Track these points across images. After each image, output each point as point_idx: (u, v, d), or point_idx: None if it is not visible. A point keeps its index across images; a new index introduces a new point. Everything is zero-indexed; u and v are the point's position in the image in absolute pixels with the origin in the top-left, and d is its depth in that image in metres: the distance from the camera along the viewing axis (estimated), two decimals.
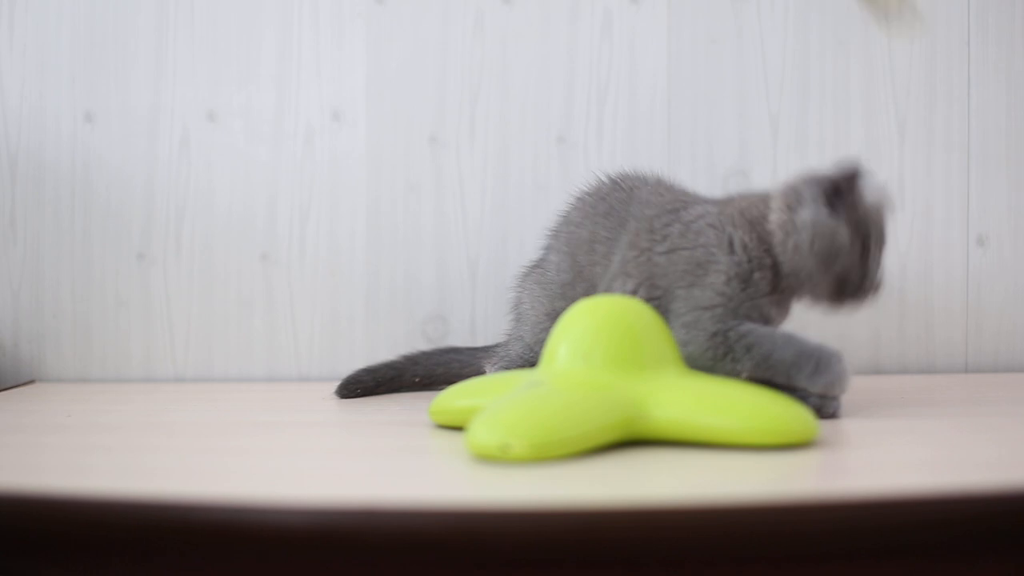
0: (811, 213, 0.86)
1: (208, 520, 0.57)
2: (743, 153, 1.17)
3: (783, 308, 0.89)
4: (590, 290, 0.92)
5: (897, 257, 1.17)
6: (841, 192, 0.86)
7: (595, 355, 0.75)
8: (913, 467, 0.67)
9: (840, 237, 0.85)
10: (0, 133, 1.16)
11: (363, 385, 1.03)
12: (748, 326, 0.84)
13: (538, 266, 0.99)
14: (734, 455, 0.69)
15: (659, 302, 0.87)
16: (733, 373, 0.83)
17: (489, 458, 0.68)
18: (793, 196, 0.87)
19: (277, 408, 0.96)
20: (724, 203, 0.91)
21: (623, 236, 0.91)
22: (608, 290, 0.90)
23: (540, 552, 0.57)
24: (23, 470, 0.70)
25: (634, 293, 0.88)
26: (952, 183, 1.17)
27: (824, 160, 1.17)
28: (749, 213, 0.88)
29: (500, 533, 0.56)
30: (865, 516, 0.57)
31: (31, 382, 1.15)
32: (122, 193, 1.17)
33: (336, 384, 1.03)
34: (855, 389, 1.05)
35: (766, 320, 0.87)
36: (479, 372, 1.02)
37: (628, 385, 0.73)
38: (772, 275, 0.87)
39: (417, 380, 1.04)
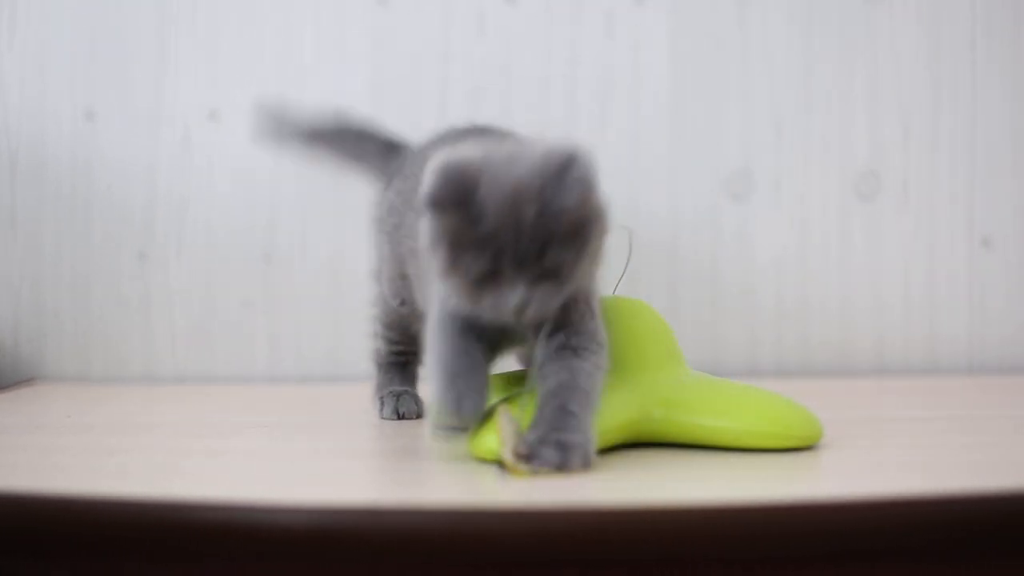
0: None
1: (208, 520, 0.57)
2: (747, 154, 1.17)
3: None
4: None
5: (901, 258, 1.17)
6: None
7: None
8: (917, 469, 0.67)
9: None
10: (0, 131, 1.16)
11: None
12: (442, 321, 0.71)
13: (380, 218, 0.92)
14: (737, 457, 0.69)
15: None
16: None
17: (491, 460, 0.68)
18: None
19: (279, 408, 0.96)
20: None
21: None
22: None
23: (542, 553, 0.56)
24: (21, 470, 0.69)
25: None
26: (957, 184, 1.17)
27: (828, 161, 1.17)
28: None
29: (502, 534, 0.55)
30: (869, 518, 0.57)
31: (30, 380, 1.15)
32: (123, 192, 1.16)
33: (339, 386, 1.03)
34: (860, 390, 1.05)
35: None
36: None
37: (632, 387, 0.73)
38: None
39: None
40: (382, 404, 0.88)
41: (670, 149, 1.17)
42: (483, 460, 0.68)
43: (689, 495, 0.60)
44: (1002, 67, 1.16)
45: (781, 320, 1.17)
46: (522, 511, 0.56)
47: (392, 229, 0.88)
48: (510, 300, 0.66)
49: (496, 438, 0.66)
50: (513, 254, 0.65)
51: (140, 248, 1.17)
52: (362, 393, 1.01)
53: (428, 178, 0.67)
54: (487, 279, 0.66)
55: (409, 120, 1.17)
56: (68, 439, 0.80)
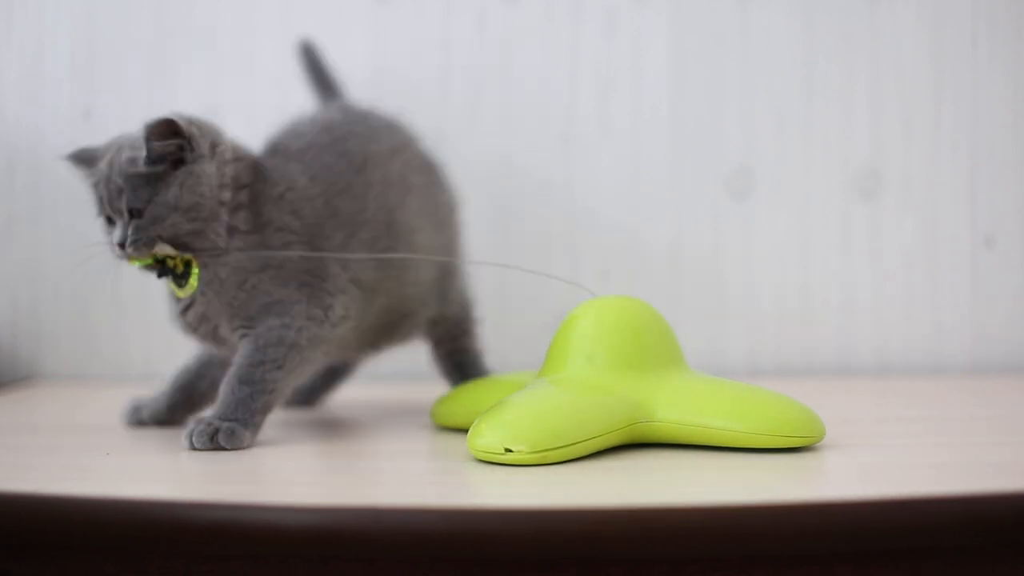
0: None
1: (205, 520, 0.57)
2: (748, 152, 1.17)
3: None
4: None
5: (903, 256, 1.17)
6: None
7: (598, 356, 0.75)
8: (919, 469, 0.67)
9: None
10: None
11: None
12: None
13: None
14: (738, 457, 0.69)
15: None
16: None
17: (491, 460, 0.67)
18: None
19: (276, 408, 0.95)
20: None
21: None
22: None
23: (542, 554, 0.56)
24: (18, 470, 0.69)
25: None
26: (959, 182, 1.17)
27: (830, 159, 1.17)
28: None
29: (502, 534, 0.55)
30: (871, 518, 0.56)
31: (28, 379, 1.15)
32: None
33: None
34: (861, 390, 1.05)
35: None
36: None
37: (632, 387, 0.72)
38: None
39: None
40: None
41: (670, 148, 1.16)
42: (484, 461, 0.68)
43: (689, 495, 0.60)
44: (1004, 64, 1.16)
45: (782, 319, 1.17)
46: (522, 511, 0.56)
47: None
48: (115, 237, 0.77)
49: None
50: (107, 199, 0.77)
51: None
52: (361, 393, 1.01)
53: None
54: (107, 221, 0.79)
55: (407, 118, 1.17)
56: (65, 439, 0.80)
